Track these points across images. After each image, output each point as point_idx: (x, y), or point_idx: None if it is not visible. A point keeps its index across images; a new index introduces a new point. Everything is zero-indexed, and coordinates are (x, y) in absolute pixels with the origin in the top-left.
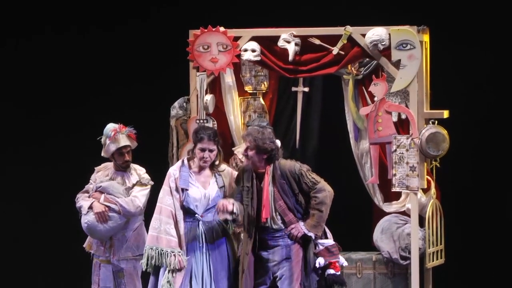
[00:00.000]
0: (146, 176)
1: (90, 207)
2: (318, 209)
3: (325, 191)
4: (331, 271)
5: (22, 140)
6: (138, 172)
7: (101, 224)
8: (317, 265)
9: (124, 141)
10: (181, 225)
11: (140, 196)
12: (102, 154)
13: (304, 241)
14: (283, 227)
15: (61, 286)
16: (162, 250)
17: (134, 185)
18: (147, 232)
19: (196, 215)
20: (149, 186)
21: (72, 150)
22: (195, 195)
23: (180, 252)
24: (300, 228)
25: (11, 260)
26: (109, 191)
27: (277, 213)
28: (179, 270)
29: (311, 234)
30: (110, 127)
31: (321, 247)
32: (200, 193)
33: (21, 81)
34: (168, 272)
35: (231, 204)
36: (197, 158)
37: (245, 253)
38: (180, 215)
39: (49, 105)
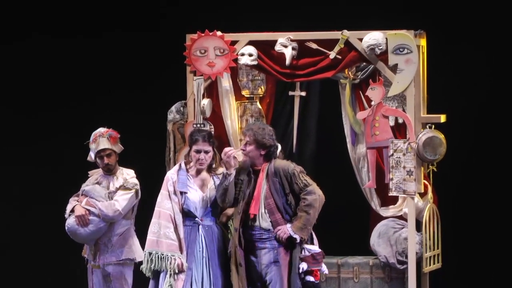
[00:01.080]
0: (132, 180)
1: (72, 210)
2: (306, 211)
3: (315, 194)
4: (311, 279)
5: (20, 142)
6: (125, 176)
7: (81, 228)
8: (300, 269)
9: (103, 144)
10: (181, 229)
11: (120, 200)
12: (87, 159)
13: (291, 244)
14: (271, 228)
15: None
16: (163, 254)
17: (118, 189)
18: (137, 237)
19: (196, 218)
20: (133, 191)
21: (69, 152)
22: (194, 198)
23: (180, 256)
24: (287, 230)
25: (13, 261)
26: (91, 194)
27: (266, 211)
28: (180, 273)
29: (297, 237)
30: (95, 131)
31: (307, 253)
32: (198, 196)
33: (20, 84)
34: (170, 276)
35: (235, 158)
36: (194, 161)
37: (235, 246)
38: (179, 219)
39: (48, 108)
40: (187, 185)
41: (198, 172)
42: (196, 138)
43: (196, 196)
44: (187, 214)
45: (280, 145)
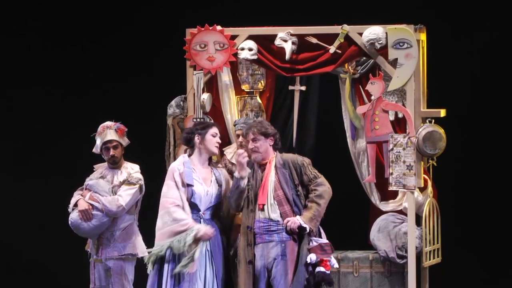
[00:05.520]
0: (136, 175)
1: (76, 205)
2: (317, 202)
3: (325, 186)
4: (321, 269)
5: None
6: (129, 170)
7: (84, 222)
8: (308, 260)
9: (110, 135)
10: (190, 216)
11: (124, 195)
12: (93, 150)
13: (300, 237)
14: (280, 220)
15: (62, 285)
16: (181, 236)
17: (121, 183)
18: (140, 232)
19: (200, 212)
20: (137, 186)
21: (73, 147)
22: (199, 191)
23: (200, 225)
24: (296, 220)
25: (16, 255)
26: (94, 189)
27: (275, 202)
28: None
29: (306, 226)
30: (103, 124)
31: (314, 243)
32: (203, 190)
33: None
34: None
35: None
36: (211, 145)
37: (247, 244)
38: (188, 208)
39: (50, 105)
40: (192, 178)
41: (209, 159)
42: (207, 124)
43: (201, 190)
44: (192, 207)
45: None
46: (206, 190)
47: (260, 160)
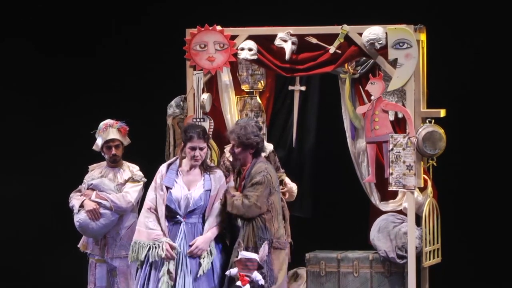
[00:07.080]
0: (139, 173)
1: (81, 205)
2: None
3: (248, 203)
4: (238, 283)
5: (19, 143)
6: (131, 169)
7: (93, 222)
8: (227, 273)
9: (113, 134)
10: (163, 220)
11: (131, 192)
12: (93, 147)
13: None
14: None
15: (58, 285)
16: (144, 243)
17: (126, 181)
18: None
19: (178, 216)
20: (141, 183)
21: (72, 150)
22: (176, 195)
23: (167, 240)
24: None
25: (14, 259)
26: (100, 188)
27: None
28: (167, 259)
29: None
30: (104, 121)
31: (240, 257)
32: (181, 193)
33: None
34: (164, 264)
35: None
36: (188, 157)
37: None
38: (162, 210)
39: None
40: (173, 181)
41: (191, 168)
42: (191, 135)
43: (179, 193)
44: (169, 210)
45: (272, 145)
46: (185, 194)
47: (239, 166)
